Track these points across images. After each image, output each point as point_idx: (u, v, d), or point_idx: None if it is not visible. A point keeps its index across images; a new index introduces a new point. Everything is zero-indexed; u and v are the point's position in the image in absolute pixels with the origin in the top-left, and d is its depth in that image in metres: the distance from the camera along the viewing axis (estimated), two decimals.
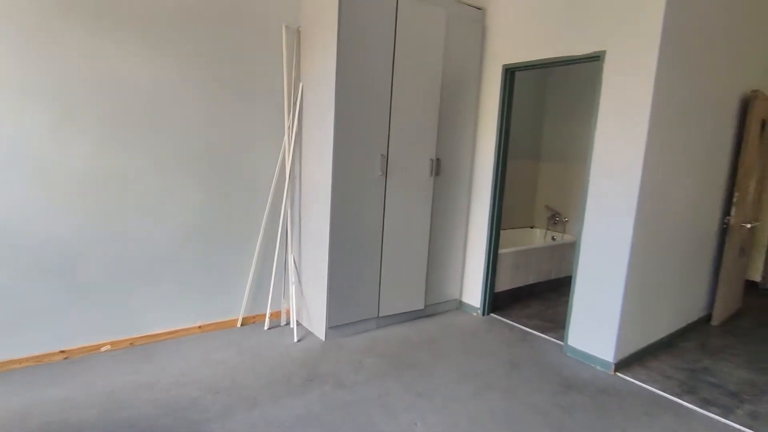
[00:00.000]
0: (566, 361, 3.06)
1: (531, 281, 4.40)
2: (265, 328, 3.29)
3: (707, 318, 4.02)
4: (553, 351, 3.21)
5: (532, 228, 5.40)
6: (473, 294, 3.88)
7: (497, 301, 4.02)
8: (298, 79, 3.30)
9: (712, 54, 3.21)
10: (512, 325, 3.67)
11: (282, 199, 3.33)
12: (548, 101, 5.35)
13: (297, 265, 3.42)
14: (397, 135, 3.23)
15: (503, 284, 4.09)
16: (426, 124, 3.39)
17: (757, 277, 5.46)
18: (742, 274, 4.32)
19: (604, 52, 2.92)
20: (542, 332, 3.54)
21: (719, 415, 2.50)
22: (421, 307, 3.63)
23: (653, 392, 2.72)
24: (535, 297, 4.41)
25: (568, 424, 2.32)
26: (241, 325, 3.32)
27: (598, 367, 2.98)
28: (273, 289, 3.37)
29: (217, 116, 3.03)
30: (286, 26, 3.22)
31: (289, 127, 3.27)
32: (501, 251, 3.96)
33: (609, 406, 2.53)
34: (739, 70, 3.62)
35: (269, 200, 3.31)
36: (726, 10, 3.23)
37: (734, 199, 3.81)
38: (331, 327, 3.15)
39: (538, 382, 2.75)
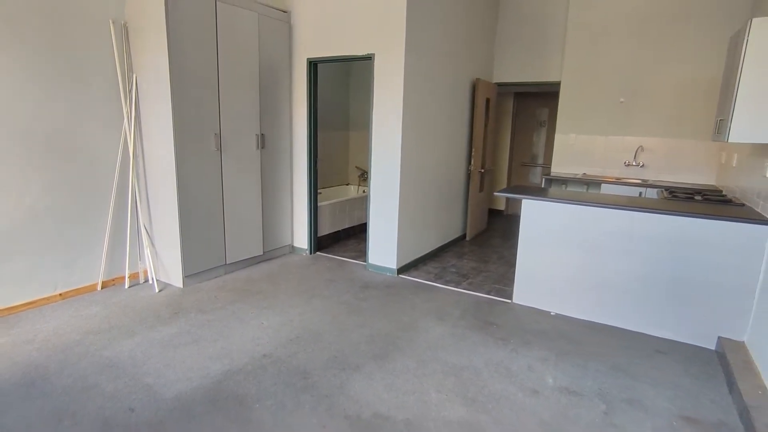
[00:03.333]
0: (367, 274, 4.41)
1: (347, 225, 5.70)
2: (126, 287, 3.86)
3: (463, 236, 5.89)
4: (360, 269, 4.54)
5: (348, 185, 6.70)
6: (302, 239, 4.98)
7: (322, 242, 5.20)
8: (131, 69, 3.78)
9: (448, 55, 4.73)
10: (333, 257, 4.90)
11: (129, 175, 3.85)
12: (353, 83, 6.58)
13: (149, 230, 4.01)
14: (226, 116, 4.01)
15: (326, 229, 5.28)
16: (250, 106, 4.23)
17: (502, 207, 7.78)
18: (484, 204, 6.32)
19: (373, 54, 4.16)
20: (354, 259, 4.86)
21: (452, 286, 4.13)
22: (261, 252, 4.59)
23: (419, 282, 4.24)
24: (351, 237, 5.73)
25: (363, 306, 3.62)
26: (102, 288, 3.81)
27: (387, 274, 4.41)
28: (129, 253, 3.92)
29: (56, 108, 3.38)
30: (113, 21, 3.64)
31: (127, 113, 3.77)
32: (320, 204, 5.12)
33: (391, 293, 3.93)
34: (468, 65, 5.31)
35: (116, 177, 3.80)
36: (453, 26, 4.78)
37: (472, 153, 5.62)
38: (187, 276, 3.90)
39: (347, 288, 4.02)
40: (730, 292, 2.99)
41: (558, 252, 3.54)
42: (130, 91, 3.78)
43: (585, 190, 5.42)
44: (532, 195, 3.59)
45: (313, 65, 4.62)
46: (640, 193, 4.83)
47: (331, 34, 4.39)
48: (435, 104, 4.68)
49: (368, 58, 4.21)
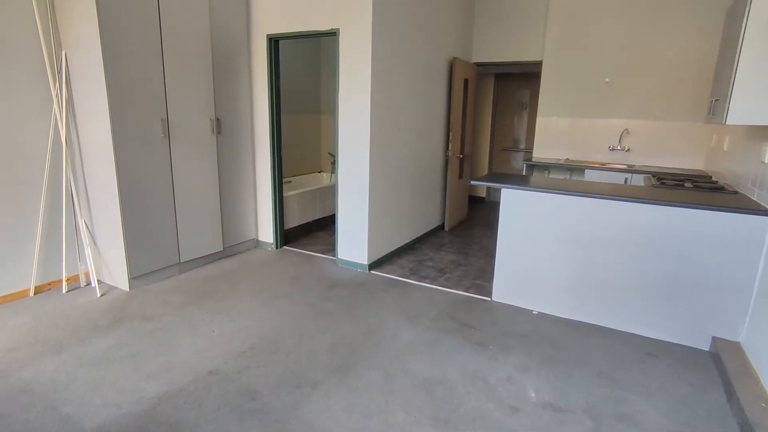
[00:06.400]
0: (336, 270, 4.08)
1: (318, 216, 5.34)
2: (64, 291, 3.45)
3: (442, 226, 5.58)
4: (328, 265, 4.20)
5: (320, 172, 6.31)
6: (267, 232, 4.61)
7: (290, 236, 4.84)
8: (59, 45, 3.31)
9: (422, 31, 4.35)
10: (300, 252, 4.55)
11: (62, 167, 3.41)
12: (324, 63, 6.14)
13: (89, 227, 3.59)
14: (174, 98, 3.58)
15: (294, 221, 4.91)
16: (201, 87, 3.80)
17: (483, 194, 7.50)
18: (463, 192, 6.01)
19: (338, 29, 3.75)
20: (323, 254, 4.51)
21: (428, 283, 3.82)
22: (220, 248, 4.20)
23: (392, 278, 3.92)
24: (321, 229, 5.38)
25: (328, 308, 3.29)
26: (35, 293, 3.40)
27: (358, 270, 4.07)
28: (66, 253, 3.50)
29: None
30: None
31: (57, 96, 3.31)
32: (287, 194, 4.74)
33: (360, 291, 3.61)
34: (444, 43, 4.93)
35: (47, 169, 3.36)
36: (427, 0, 4.39)
37: (450, 137, 5.28)
38: (134, 278, 3.51)
39: (313, 286, 3.68)
40: (725, 288, 2.74)
41: (540, 245, 3.25)
42: (60, 70, 3.31)
43: (568, 177, 5.16)
44: (512, 184, 3.28)
45: (274, 42, 4.19)
46: (626, 180, 4.57)
47: (292, 8, 3.96)
48: (408, 85, 4.30)
49: (332, 34, 3.81)
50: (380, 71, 3.79)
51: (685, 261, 2.83)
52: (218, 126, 4.02)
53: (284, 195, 4.66)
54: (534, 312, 3.33)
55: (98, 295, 3.40)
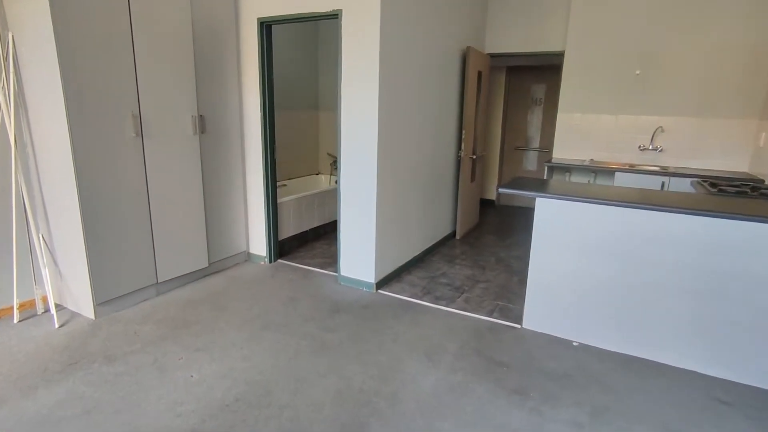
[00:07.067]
0: (339, 289, 3.55)
1: (316, 224, 4.80)
2: (15, 321, 2.91)
3: (453, 234, 5.06)
4: (329, 282, 3.67)
5: (318, 174, 5.77)
6: (259, 244, 4.07)
7: (285, 247, 4.30)
8: (4, 26, 2.76)
9: (434, 17, 3.81)
10: (296, 266, 4.01)
11: (11, 171, 2.86)
12: (321, 52, 5.59)
13: (48, 243, 3.05)
14: (148, 92, 3.04)
15: (289, 230, 4.37)
16: (182, 79, 3.25)
17: (493, 196, 6.99)
18: (476, 195, 5.49)
19: (340, 11, 3.21)
20: (322, 268, 3.98)
21: (444, 305, 3.30)
22: (205, 264, 3.66)
23: (402, 299, 3.40)
24: (320, 238, 4.84)
25: (331, 341, 2.77)
26: None
27: (364, 289, 3.55)
28: (18, 275, 2.95)
29: None
30: None
31: (2, 87, 2.76)
32: (282, 200, 4.20)
33: (367, 317, 3.08)
34: (457, 31, 4.40)
35: None
36: None
37: (463, 137, 4.75)
38: (101, 303, 2.97)
39: (312, 311, 3.15)
40: None
41: (582, 264, 2.74)
42: (6, 55, 2.76)
43: (593, 180, 4.66)
44: (548, 192, 2.76)
45: (266, 27, 3.64)
46: (663, 184, 4.08)
47: None
48: (418, 77, 3.77)
49: (334, 17, 3.27)
50: (389, 60, 3.26)
51: (759, 284, 2.32)
52: (202, 124, 3.48)
53: (278, 201, 4.12)
54: (574, 343, 2.82)
55: (56, 326, 2.85)
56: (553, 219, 2.78)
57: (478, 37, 5.03)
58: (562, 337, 2.88)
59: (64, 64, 2.58)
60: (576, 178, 4.74)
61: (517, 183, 3.07)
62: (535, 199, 2.81)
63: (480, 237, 5.15)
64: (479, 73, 4.91)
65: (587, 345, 2.80)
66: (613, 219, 2.60)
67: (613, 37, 4.56)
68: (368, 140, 3.30)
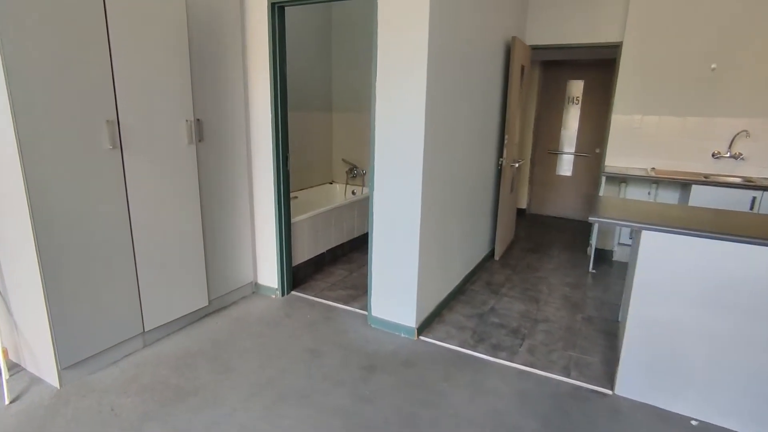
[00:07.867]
0: (371, 334, 2.86)
1: (333, 244, 4.12)
2: None
3: (491, 254, 4.38)
4: (358, 324, 2.98)
5: (331, 183, 5.09)
6: (269, 273, 3.38)
7: (298, 274, 3.62)
8: None
9: (476, 1, 3.13)
10: (315, 301, 3.32)
11: None
12: (335, 44, 4.90)
13: (3, 292, 2.36)
14: (128, 91, 2.34)
15: (303, 254, 3.69)
16: (172, 75, 2.56)
17: (523, 204, 6.31)
18: (513, 207, 4.82)
19: None
20: (346, 303, 3.29)
21: (506, 359, 2.62)
22: (205, 303, 2.97)
23: (452, 350, 2.71)
24: (338, 261, 4.15)
25: (369, 419, 2.09)
26: None
27: (402, 335, 2.86)
28: None
29: None
30: None
31: None
32: (295, 219, 3.51)
33: (412, 380, 2.40)
34: (501, 18, 3.70)
35: None
36: None
37: (505, 142, 4.07)
38: (67, 367, 2.28)
39: (340, 370, 2.46)
40: None
41: (705, 316, 2.06)
42: None
43: (654, 191, 3.98)
44: (658, 223, 2.08)
45: (279, 9, 2.95)
46: (754, 200, 3.40)
47: None
48: (462, 74, 3.08)
49: None
50: (437, 52, 2.57)
51: None
52: (199, 130, 2.79)
53: (292, 221, 3.44)
54: (693, 422, 2.14)
55: (6, 401, 2.16)
56: (666, 261, 2.09)
57: (520, 26, 4.34)
58: (674, 411, 2.20)
59: (8, 52, 1.89)
60: (633, 191, 4.07)
61: (607, 207, 2.38)
62: (629, 228, 2.13)
63: (521, 257, 4.46)
64: (522, 68, 4.22)
65: (710, 424, 2.12)
66: (757, 263, 1.92)
67: (682, 26, 3.87)
68: (412, 152, 2.61)
